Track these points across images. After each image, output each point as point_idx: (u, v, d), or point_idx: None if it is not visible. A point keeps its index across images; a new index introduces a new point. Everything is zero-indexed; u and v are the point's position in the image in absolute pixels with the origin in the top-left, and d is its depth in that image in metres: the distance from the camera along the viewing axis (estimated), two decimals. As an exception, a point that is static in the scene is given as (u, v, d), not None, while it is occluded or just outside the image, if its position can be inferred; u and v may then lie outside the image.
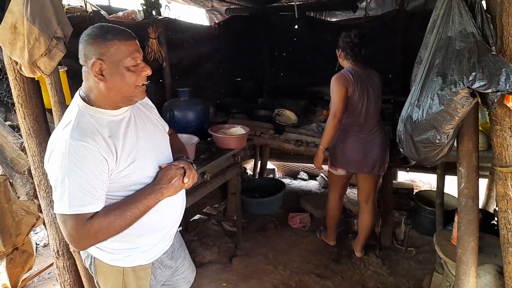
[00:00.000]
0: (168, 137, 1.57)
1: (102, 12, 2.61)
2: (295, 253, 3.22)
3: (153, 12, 2.96)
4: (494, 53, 1.15)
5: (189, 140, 2.39)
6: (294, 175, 4.77)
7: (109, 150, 1.21)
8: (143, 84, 1.29)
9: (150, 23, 2.86)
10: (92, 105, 1.25)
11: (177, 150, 1.58)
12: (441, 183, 2.71)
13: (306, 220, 3.65)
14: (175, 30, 3.32)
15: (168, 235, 1.51)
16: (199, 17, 4.64)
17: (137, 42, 1.27)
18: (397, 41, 3.71)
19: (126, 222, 1.22)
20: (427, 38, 1.47)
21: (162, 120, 1.60)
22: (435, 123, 1.27)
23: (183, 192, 1.54)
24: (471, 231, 1.39)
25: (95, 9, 2.62)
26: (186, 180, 1.37)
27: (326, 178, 4.46)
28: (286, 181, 4.64)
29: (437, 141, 1.31)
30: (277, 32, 4.20)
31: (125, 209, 1.22)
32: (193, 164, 1.50)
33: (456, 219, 2.04)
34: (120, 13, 2.79)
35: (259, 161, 4.54)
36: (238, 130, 2.87)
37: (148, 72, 1.27)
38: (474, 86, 1.13)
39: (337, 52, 2.76)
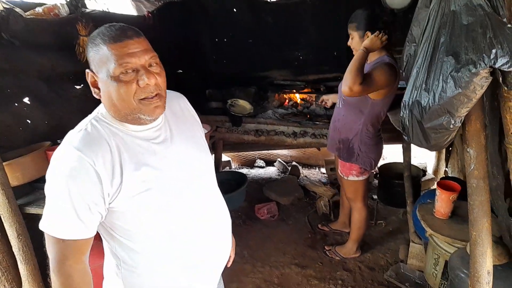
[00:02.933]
0: (211, 158, 1.31)
1: (17, 9, 2.16)
2: (270, 247, 3.11)
3: (79, 5, 2.54)
4: (510, 25, 1.07)
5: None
6: (250, 164, 4.64)
7: (111, 166, 0.99)
8: (152, 98, 1.02)
9: (78, 18, 2.45)
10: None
11: None
12: (407, 156, 2.75)
13: (273, 209, 3.55)
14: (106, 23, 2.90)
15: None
16: (124, 7, 4.15)
17: (137, 41, 1.01)
18: (341, 16, 3.66)
19: None
20: (419, 13, 1.38)
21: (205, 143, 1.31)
22: (449, 107, 1.19)
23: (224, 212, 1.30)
24: (484, 212, 1.36)
25: (7, 6, 2.16)
26: None
27: (284, 163, 4.40)
28: (244, 171, 4.49)
29: (451, 126, 1.23)
30: (217, 17, 3.92)
31: None
32: None
33: (450, 197, 2.07)
34: (39, 9, 2.35)
35: (213, 155, 4.32)
36: (198, 128, 2.63)
37: (152, 81, 1.00)
38: (497, 65, 1.05)
39: (355, 33, 2.24)
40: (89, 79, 1.03)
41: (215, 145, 4.19)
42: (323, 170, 4.34)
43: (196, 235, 1.17)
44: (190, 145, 1.20)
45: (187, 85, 3.87)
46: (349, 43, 2.33)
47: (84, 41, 2.48)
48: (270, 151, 4.56)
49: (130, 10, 4.08)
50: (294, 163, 4.37)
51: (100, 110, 1.09)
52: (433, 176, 3.83)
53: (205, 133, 2.56)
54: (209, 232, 1.22)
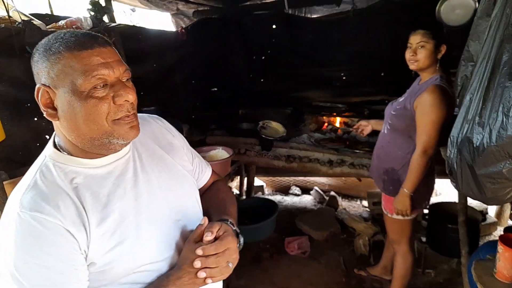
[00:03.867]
0: (197, 191, 1.07)
1: (36, 21, 2.09)
2: (297, 287, 2.75)
3: (104, 19, 2.45)
4: None
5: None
6: (285, 191, 4.31)
7: (79, 220, 0.79)
8: (128, 116, 0.83)
9: (101, 32, 2.35)
10: (64, 153, 0.86)
11: (216, 209, 1.06)
12: (463, 196, 2.29)
13: (304, 245, 3.20)
14: (134, 39, 2.82)
15: None
16: (164, 23, 4.11)
17: (109, 50, 0.82)
18: (387, 36, 3.31)
19: None
20: (478, 25, 1.04)
21: (194, 164, 1.12)
22: (511, 149, 0.83)
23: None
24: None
25: (26, 18, 2.09)
26: (202, 275, 0.82)
27: (321, 192, 4.04)
28: (278, 198, 4.17)
29: (515, 176, 0.86)
30: (253, 33, 3.74)
31: None
32: (240, 236, 0.96)
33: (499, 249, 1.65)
34: (62, 22, 2.27)
35: (245, 178, 4.07)
36: (220, 153, 2.40)
37: (130, 97, 0.82)
38: None
39: (430, 41, 1.90)
40: (40, 97, 0.81)
41: (247, 169, 3.94)
42: (365, 203, 3.90)
43: None
44: (165, 176, 0.98)
45: (221, 104, 3.72)
46: (410, 53, 1.97)
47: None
48: (307, 178, 4.22)
49: (170, 26, 4.03)
50: (332, 193, 3.99)
51: (47, 152, 0.88)
52: (496, 220, 3.26)
53: (226, 158, 2.34)
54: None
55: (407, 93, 2.13)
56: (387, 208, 2.22)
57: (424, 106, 1.90)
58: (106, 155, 0.87)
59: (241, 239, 0.97)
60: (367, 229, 3.18)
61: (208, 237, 0.85)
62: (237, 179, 4.23)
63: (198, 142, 3.06)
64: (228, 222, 0.95)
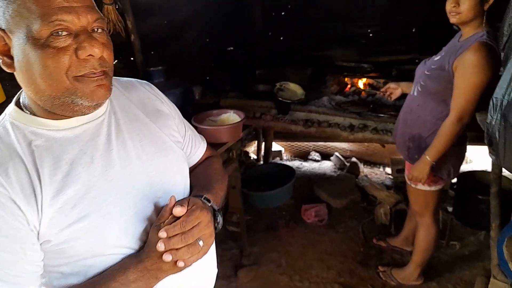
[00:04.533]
0: (186, 166, 0.95)
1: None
2: (312, 257, 2.66)
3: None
4: None
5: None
6: (304, 156, 4.15)
7: (31, 190, 0.68)
8: (95, 74, 0.70)
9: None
10: (26, 112, 0.75)
11: (198, 186, 0.95)
12: (498, 166, 2.07)
13: (322, 212, 3.07)
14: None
15: None
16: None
17: None
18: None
19: None
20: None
21: (186, 138, 1.01)
22: None
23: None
24: None
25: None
26: (167, 258, 0.72)
27: (342, 158, 3.86)
28: (296, 163, 4.02)
29: None
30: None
31: None
32: (218, 212, 0.86)
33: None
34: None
35: (263, 143, 3.92)
36: (231, 116, 2.24)
37: (96, 51, 0.69)
38: None
39: None
40: None
41: (265, 134, 3.78)
42: (388, 170, 3.69)
43: None
44: (147, 146, 0.85)
45: (236, 64, 3.52)
46: (451, 4, 1.67)
47: (109, 10, 2.20)
48: (327, 143, 4.02)
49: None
50: (354, 159, 3.79)
51: (8, 110, 0.77)
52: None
53: (237, 122, 2.18)
54: None
55: (444, 51, 1.86)
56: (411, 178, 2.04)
57: (466, 67, 1.64)
58: (71, 117, 0.75)
59: (219, 218, 0.85)
60: (389, 198, 3.01)
61: (167, 213, 0.76)
62: (255, 143, 4.10)
63: (211, 105, 2.91)
64: (202, 198, 0.84)
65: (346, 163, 3.79)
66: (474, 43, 1.62)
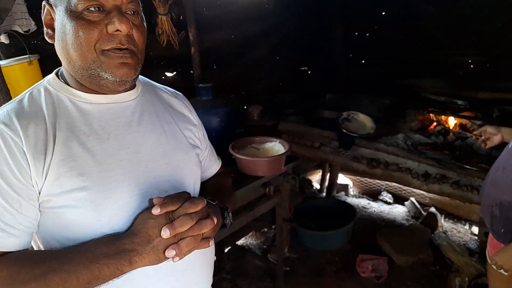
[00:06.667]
0: (199, 173, 0.98)
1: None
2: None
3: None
4: None
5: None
6: (374, 195, 3.65)
7: (43, 148, 0.74)
8: (121, 50, 0.77)
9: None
10: (61, 81, 0.84)
11: (209, 193, 0.99)
12: None
13: (382, 267, 2.61)
14: (210, 5, 2.52)
15: None
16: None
17: None
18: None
19: None
20: None
21: (204, 153, 1.06)
22: None
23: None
24: None
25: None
26: (170, 253, 0.72)
27: (418, 205, 3.30)
28: (363, 202, 3.56)
29: None
30: (357, 3, 3.11)
31: (53, 267, 0.69)
32: (227, 212, 0.92)
33: None
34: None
35: (328, 173, 3.55)
36: (276, 147, 1.97)
37: (123, 27, 0.75)
38: None
39: None
40: (44, 15, 0.80)
41: (331, 164, 3.42)
42: (475, 230, 3.02)
43: None
44: (164, 141, 0.89)
45: (308, 86, 3.25)
46: None
47: (163, 21, 2.12)
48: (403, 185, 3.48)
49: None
50: (432, 208, 3.19)
51: (48, 77, 0.86)
52: None
53: (278, 156, 1.91)
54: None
55: None
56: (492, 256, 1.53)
57: None
58: (100, 93, 0.82)
59: (226, 214, 0.91)
60: (470, 267, 2.42)
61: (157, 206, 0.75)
62: (320, 173, 3.75)
63: (269, 128, 2.68)
64: (207, 198, 0.85)
65: (422, 211, 3.22)
66: None
